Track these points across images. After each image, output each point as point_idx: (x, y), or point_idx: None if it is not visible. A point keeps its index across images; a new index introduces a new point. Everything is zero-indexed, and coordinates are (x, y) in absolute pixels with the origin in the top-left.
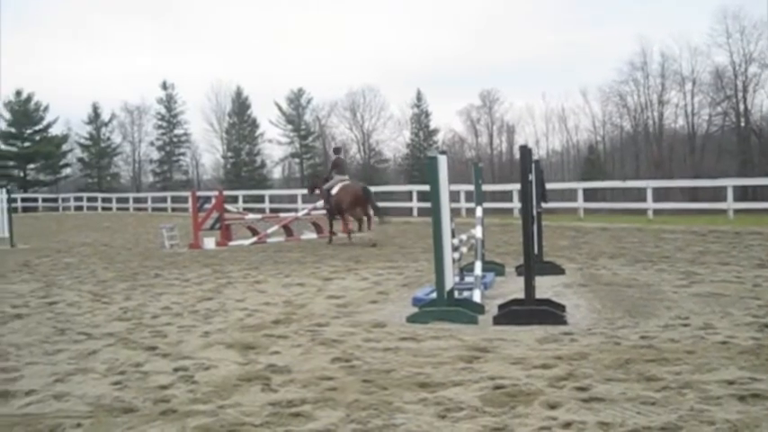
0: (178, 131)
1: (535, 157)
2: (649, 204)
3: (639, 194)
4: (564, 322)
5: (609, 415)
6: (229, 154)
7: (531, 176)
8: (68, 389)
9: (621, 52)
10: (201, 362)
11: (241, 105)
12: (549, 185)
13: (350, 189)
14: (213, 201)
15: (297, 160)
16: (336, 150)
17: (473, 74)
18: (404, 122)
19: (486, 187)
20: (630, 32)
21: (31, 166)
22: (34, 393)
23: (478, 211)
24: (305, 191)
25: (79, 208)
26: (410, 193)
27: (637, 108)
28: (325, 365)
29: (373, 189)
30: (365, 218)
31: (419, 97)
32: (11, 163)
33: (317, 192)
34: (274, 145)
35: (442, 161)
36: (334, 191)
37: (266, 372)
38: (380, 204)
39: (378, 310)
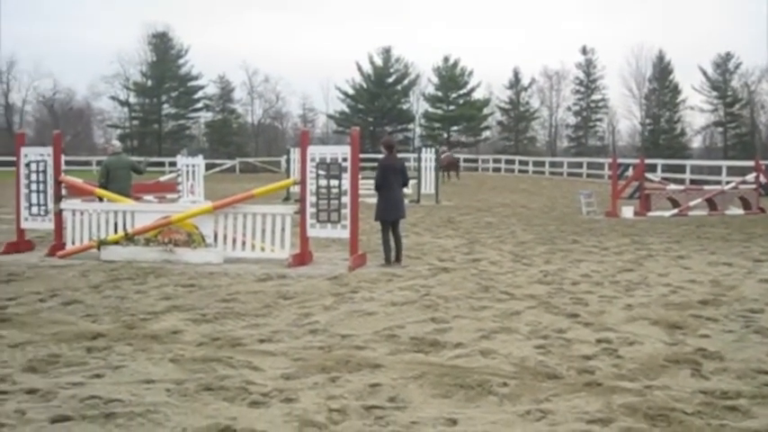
0: (596, 97)
1: None
2: None
3: None
4: None
5: None
6: (647, 121)
7: None
8: (494, 346)
9: None
10: (625, 336)
11: (662, 70)
12: None
13: (447, 157)
14: (631, 169)
15: (720, 129)
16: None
17: None
18: None
19: None
20: None
21: (455, 127)
22: (462, 347)
23: None
24: (730, 162)
25: (497, 170)
26: None
27: None
28: (761, 357)
29: None
30: (454, 173)
31: None
32: (437, 125)
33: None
34: (696, 112)
35: None
36: (442, 157)
37: (695, 356)
38: None
39: None
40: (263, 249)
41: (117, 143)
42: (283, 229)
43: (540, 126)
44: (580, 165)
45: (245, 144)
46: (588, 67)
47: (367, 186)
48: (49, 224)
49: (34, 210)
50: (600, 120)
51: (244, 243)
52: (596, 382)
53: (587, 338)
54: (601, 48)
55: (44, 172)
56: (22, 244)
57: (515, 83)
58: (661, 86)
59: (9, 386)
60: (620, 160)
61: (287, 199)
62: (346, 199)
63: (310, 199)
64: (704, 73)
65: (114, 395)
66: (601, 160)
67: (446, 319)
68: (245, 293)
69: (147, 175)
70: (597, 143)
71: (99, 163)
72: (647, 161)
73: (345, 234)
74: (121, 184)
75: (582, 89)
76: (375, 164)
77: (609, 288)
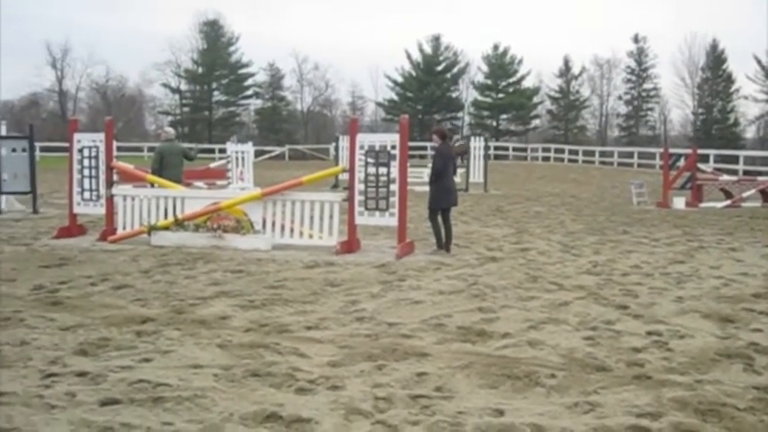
0: (647, 86)
1: None
2: None
3: None
4: None
5: None
6: (700, 110)
7: None
8: (542, 337)
9: None
10: (676, 329)
11: (716, 59)
12: None
13: (461, 146)
14: (683, 159)
15: None
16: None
17: None
18: None
19: None
20: None
21: (504, 116)
22: (509, 337)
23: None
24: None
25: (546, 158)
26: None
27: None
28: None
29: None
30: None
31: None
32: (485, 113)
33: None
34: (750, 102)
35: None
36: (456, 145)
37: (748, 350)
38: None
39: None
40: (311, 236)
41: (170, 130)
42: (331, 217)
43: (591, 115)
44: (631, 154)
45: (295, 131)
46: (640, 55)
47: (415, 174)
48: (100, 209)
49: (86, 195)
50: (651, 109)
51: (292, 230)
52: (646, 376)
53: (637, 331)
54: (653, 36)
55: (96, 158)
56: (74, 228)
57: (565, 71)
58: (714, 75)
59: (60, 368)
60: (671, 150)
61: (335, 186)
62: (395, 187)
63: (359, 186)
64: (758, 62)
65: (162, 379)
66: (652, 150)
67: (494, 309)
68: (292, 280)
69: (197, 162)
70: (648, 133)
71: (151, 149)
72: (700, 151)
73: (393, 222)
74: (174, 171)
75: (633, 78)
76: (423, 152)
77: (659, 280)
